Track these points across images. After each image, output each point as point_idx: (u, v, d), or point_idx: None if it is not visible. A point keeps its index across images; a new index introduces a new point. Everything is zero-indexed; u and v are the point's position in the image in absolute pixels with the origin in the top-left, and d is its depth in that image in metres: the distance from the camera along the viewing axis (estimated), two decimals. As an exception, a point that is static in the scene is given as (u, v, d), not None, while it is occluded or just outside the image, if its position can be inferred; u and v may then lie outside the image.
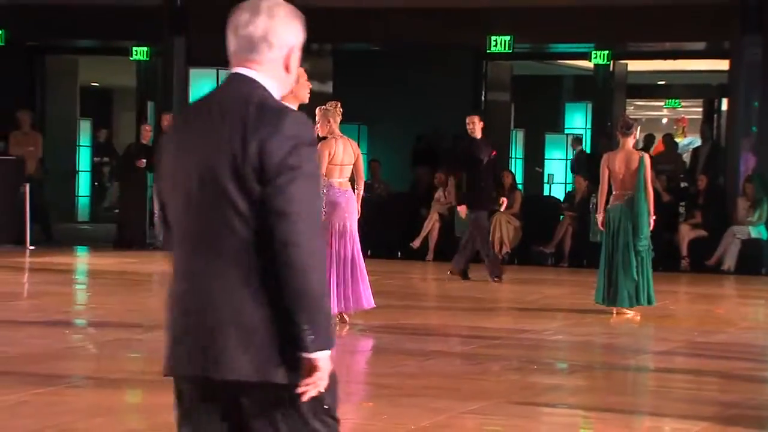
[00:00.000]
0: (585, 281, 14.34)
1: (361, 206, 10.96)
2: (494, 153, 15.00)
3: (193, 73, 18.31)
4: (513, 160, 22.60)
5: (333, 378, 3.31)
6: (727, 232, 17.06)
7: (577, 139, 23.10)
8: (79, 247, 19.06)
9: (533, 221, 18.03)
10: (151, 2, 19.39)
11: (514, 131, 23.11)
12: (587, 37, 19.91)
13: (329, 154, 10.52)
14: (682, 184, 20.73)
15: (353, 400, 7.59)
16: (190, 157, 3.28)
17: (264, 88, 3.30)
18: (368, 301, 10.75)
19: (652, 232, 12.13)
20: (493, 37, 19.08)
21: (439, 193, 18.36)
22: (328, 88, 19.20)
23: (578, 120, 24.33)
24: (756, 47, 17.57)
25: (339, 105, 10.77)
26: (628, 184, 11.98)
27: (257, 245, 3.20)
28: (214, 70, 17.95)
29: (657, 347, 10.78)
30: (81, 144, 23.78)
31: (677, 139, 27.69)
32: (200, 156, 3.25)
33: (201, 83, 18.22)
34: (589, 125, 24.01)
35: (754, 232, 17.04)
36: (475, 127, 14.71)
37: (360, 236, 10.80)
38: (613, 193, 12.10)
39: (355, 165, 10.79)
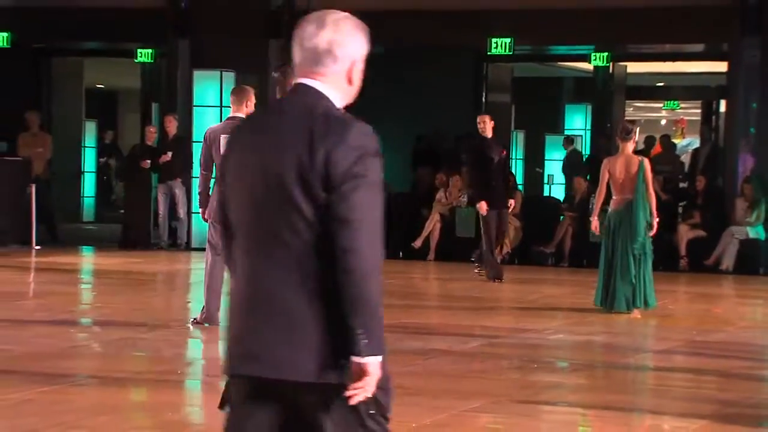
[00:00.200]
0: (585, 281, 14.42)
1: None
2: (504, 153, 15.00)
3: (197, 74, 18.37)
4: (513, 161, 22.66)
5: (387, 377, 3.38)
6: (726, 232, 17.14)
7: (569, 140, 23.18)
8: (84, 247, 19.13)
9: (533, 221, 18.12)
10: (156, 5, 19.46)
11: (514, 132, 23.18)
12: (587, 39, 19.98)
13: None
14: (681, 185, 20.81)
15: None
16: (256, 163, 3.37)
17: (328, 99, 3.40)
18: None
19: (655, 234, 12.24)
20: (494, 39, 19.15)
21: (440, 194, 18.45)
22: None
23: (578, 121, 24.40)
24: (755, 49, 17.63)
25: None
26: (628, 189, 12.10)
27: (319, 250, 3.28)
28: (218, 72, 18.02)
29: (656, 346, 10.86)
30: (86, 145, 23.88)
31: (676, 141, 27.75)
32: (267, 162, 3.34)
33: (205, 85, 18.29)
34: (588, 126, 24.08)
35: (752, 233, 17.12)
36: (486, 126, 14.73)
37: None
38: (613, 197, 12.23)
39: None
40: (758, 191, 17.19)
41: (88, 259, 18.28)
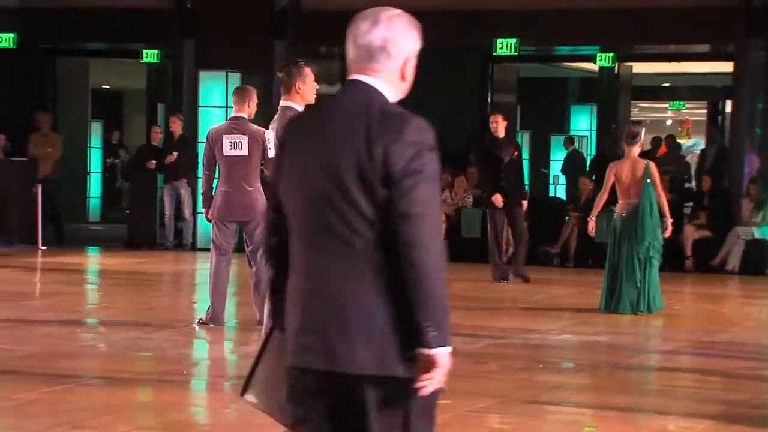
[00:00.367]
0: (590, 281, 14.42)
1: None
2: (516, 153, 14.91)
3: (203, 75, 18.39)
4: (518, 161, 22.67)
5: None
6: (731, 232, 17.13)
7: (570, 140, 23.19)
8: (90, 247, 19.17)
9: (539, 222, 18.11)
10: (161, 5, 19.49)
11: (519, 133, 23.19)
12: (592, 39, 19.97)
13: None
14: (686, 185, 20.81)
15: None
16: (312, 159, 3.41)
17: (383, 95, 3.46)
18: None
19: (668, 236, 12.29)
20: (499, 40, 19.15)
21: (445, 194, 18.45)
22: (337, 90, 19.28)
23: (583, 122, 24.41)
24: (760, 50, 17.62)
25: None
26: (634, 193, 12.13)
27: (377, 244, 3.33)
28: (224, 73, 18.03)
29: (662, 346, 10.86)
30: (92, 146, 23.91)
31: (681, 141, 27.75)
32: (323, 157, 3.39)
33: (210, 85, 18.31)
34: (594, 127, 24.09)
35: (758, 233, 17.11)
36: (498, 125, 14.70)
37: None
38: (619, 201, 12.28)
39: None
40: (764, 191, 17.18)
41: (93, 259, 18.31)
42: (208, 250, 10.83)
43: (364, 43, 3.45)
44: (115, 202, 26.31)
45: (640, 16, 18.24)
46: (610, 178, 12.25)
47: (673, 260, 16.50)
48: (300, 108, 7.82)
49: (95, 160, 24.06)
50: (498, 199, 14.47)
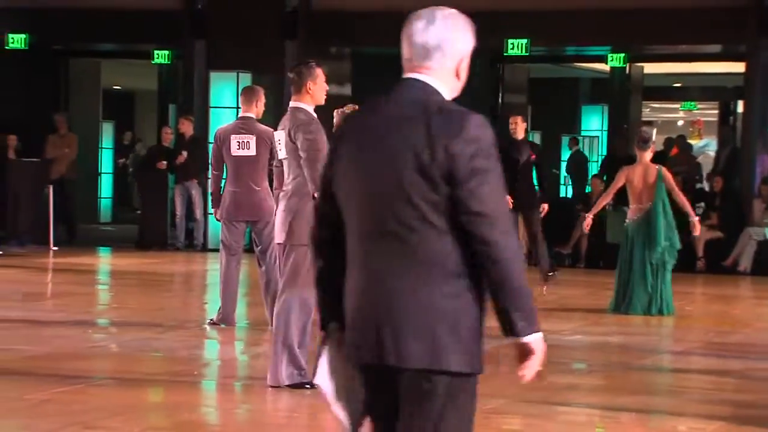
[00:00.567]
0: (601, 282, 14.41)
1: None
2: (534, 156, 14.72)
3: (214, 76, 18.42)
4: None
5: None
6: (743, 233, 17.11)
7: (574, 140, 23.16)
8: (101, 247, 19.21)
9: (550, 222, 18.07)
10: (173, 6, 19.53)
11: (531, 133, 23.16)
12: (603, 39, 19.94)
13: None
14: (698, 185, 20.76)
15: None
16: (370, 157, 3.42)
17: (439, 93, 3.49)
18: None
19: (698, 233, 12.35)
20: (510, 40, 19.13)
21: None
22: (347, 90, 19.28)
23: (594, 122, 24.39)
24: (772, 50, 17.60)
25: (357, 107, 10.85)
26: (645, 198, 12.13)
27: (435, 241, 3.36)
28: (235, 73, 18.05)
29: (673, 347, 10.85)
30: (103, 146, 23.97)
31: (693, 141, 27.72)
32: (382, 156, 3.40)
33: (221, 86, 18.34)
34: (605, 127, 24.07)
35: (770, 234, 17.09)
36: (518, 127, 14.55)
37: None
38: (631, 206, 12.29)
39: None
40: (776, 192, 17.15)
41: (105, 259, 18.35)
42: (218, 250, 10.85)
43: (420, 42, 3.46)
44: (126, 203, 26.38)
45: (651, 16, 18.22)
46: (618, 181, 12.24)
47: (684, 261, 16.46)
48: (310, 109, 7.82)
49: (107, 161, 24.12)
50: (507, 201, 14.39)
